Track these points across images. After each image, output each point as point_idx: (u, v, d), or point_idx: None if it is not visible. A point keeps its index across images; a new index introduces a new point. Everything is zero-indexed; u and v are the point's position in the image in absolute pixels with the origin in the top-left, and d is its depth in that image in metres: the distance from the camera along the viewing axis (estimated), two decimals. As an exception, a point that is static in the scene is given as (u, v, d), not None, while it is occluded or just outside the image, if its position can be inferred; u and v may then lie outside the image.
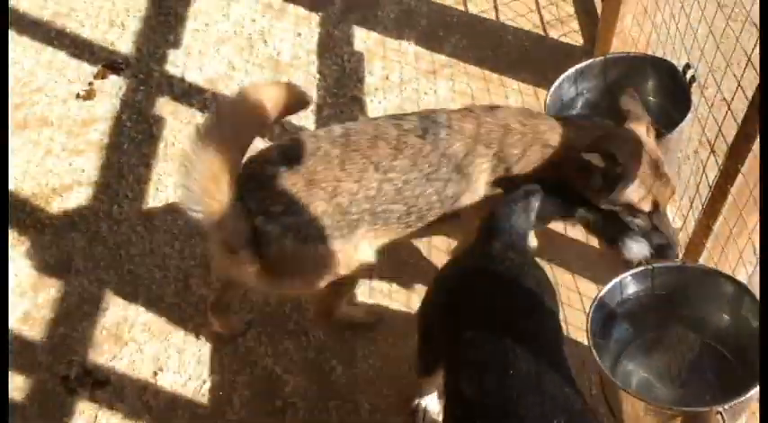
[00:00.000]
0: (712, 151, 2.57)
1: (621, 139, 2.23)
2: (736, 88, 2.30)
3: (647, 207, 2.28)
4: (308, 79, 3.76)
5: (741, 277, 2.30)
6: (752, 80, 2.19)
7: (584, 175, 2.20)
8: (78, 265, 3.02)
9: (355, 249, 2.28)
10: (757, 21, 2.14)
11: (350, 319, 2.71)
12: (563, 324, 2.09)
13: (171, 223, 3.16)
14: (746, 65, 2.23)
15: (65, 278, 2.99)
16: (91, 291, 2.95)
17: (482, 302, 1.84)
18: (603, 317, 2.28)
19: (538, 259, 2.19)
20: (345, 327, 2.74)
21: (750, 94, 2.15)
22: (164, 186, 3.31)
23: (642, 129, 2.31)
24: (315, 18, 4.08)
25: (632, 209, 2.27)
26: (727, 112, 2.36)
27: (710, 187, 2.42)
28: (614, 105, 2.88)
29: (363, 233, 2.28)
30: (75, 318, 2.87)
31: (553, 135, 2.29)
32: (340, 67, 3.81)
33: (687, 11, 2.72)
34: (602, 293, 2.27)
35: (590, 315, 2.21)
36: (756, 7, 2.10)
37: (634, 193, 2.24)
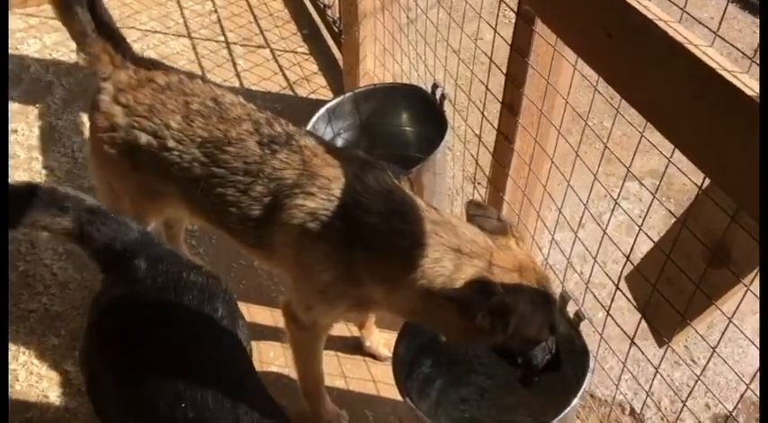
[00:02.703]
0: (478, 175, 2.48)
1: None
2: (485, 95, 2.23)
3: (545, 335, 1.86)
4: (33, 177, 3.22)
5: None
6: (499, 88, 2.14)
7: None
8: None
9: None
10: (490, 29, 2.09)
11: None
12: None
13: None
14: (489, 72, 2.16)
15: None
16: None
17: (136, 330, 1.58)
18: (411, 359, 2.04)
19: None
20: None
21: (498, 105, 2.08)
22: None
23: (510, 241, 1.84)
24: (32, 111, 3.56)
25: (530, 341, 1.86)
26: (482, 121, 2.29)
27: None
28: (372, 142, 2.76)
29: (174, 190, 2.10)
30: None
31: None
32: (70, 158, 3.32)
33: (424, 36, 2.68)
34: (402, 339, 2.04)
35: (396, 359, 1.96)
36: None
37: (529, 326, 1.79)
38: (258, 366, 2.57)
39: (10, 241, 2.95)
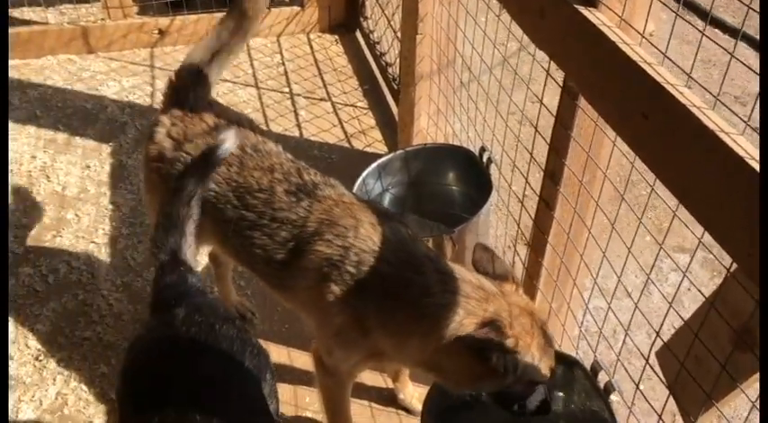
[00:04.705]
0: (519, 236, 2.53)
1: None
2: (530, 162, 2.30)
3: (547, 377, 1.90)
4: (99, 212, 3.42)
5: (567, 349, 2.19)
6: (542, 152, 2.20)
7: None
8: None
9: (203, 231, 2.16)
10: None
11: None
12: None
13: None
14: (534, 137, 2.24)
15: None
16: None
17: (165, 376, 1.62)
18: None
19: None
20: None
21: (542, 163, 2.14)
22: None
23: (511, 287, 1.92)
24: (105, 149, 3.80)
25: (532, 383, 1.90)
26: (525, 187, 2.35)
27: (524, 266, 2.37)
28: (419, 200, 2.84)
29: (209, 225, 2.16)
30: None
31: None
32: (136, 196, 3.51)
33: (474, 100, 2.78)
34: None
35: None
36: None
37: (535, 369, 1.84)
38: (293, 410, 2.64)
39: (71, 270, 3.13)
